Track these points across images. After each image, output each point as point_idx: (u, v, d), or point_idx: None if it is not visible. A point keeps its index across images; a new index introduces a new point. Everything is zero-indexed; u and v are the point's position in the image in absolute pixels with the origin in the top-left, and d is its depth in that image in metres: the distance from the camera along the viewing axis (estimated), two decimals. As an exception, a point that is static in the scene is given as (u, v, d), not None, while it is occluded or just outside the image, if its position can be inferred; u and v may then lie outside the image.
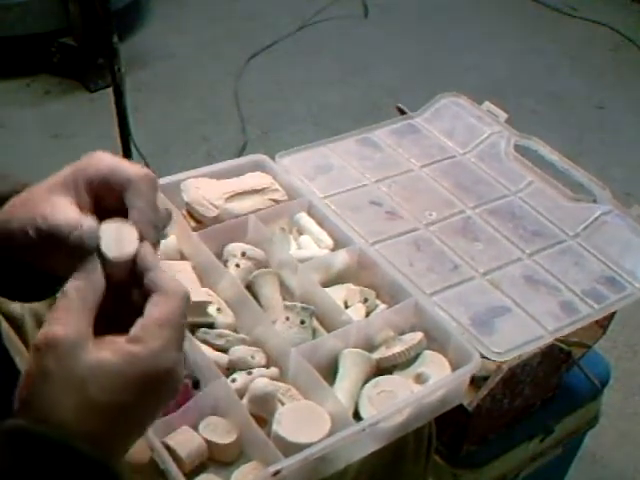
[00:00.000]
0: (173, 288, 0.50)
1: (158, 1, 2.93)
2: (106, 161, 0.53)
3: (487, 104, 1.24)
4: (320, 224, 1.03)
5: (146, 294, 0.50)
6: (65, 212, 0.51)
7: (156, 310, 0.49)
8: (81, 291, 0.49)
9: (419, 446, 0.89)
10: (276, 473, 0.71)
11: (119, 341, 0.48)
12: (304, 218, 1.03)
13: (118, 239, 0.51)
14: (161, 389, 0.49)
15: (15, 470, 0.45)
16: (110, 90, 1.74)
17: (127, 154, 1.79)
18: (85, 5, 2.32)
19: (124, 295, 0.52)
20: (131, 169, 0.53)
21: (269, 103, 2.47)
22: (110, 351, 0.47)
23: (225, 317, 0.90)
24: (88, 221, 0.51)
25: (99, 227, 0.51)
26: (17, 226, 0.53)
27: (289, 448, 0.75)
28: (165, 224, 0.56)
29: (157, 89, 2.49)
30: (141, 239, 0.52)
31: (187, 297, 0.50)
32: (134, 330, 0.48)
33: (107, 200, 0.54)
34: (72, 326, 0.47)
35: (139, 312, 0.49)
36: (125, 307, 0.51)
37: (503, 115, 1.22)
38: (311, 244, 1.00)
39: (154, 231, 0.52)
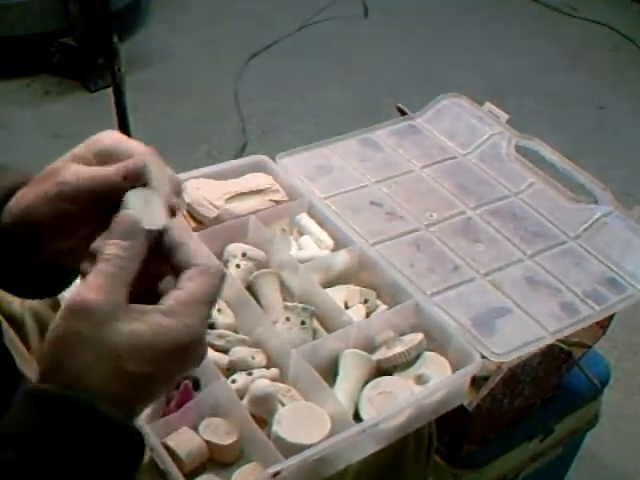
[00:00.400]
0: (212, 264, 0.50)
1: (158, 1, 2.93)
2: (112, 136, 0.55)
3: (488, 105, 1.24)
4: (320, 225, 1.03)
5: (179, 266, 0.50)
6: (90, 169, 0.53)
7: (193, 285, 0.48)
8: (123, 259, 0.48)
9: (419, 446, 0.89)
10: (276, 474, 0.71)
11: (152, 312, 0.47)
12: (305, 219, 1.03)
13: (148, 209, 0.50)
14: (188, 360, 0.50)
15: (44, 433, 0.46)
16: (110, 90, 1.74)
17: (127, 154, 1.79)
18: (85, 5, 2.31)
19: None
20: (134, 143, 0.54)
21: (269, 103, 2.47)
22: (144, 322, 0.47)
23: (225, 318, 0.90)
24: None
25: (126, 194, 0.51)
26: (35, 203, 0.54)
27: (289, 449, 0.75)
28: (179, 192, 0.55)
29: (157, 89, 2.49)
30: (167, 206, 0.51)
31: (224, 275, 0.50)
32: (168, 302, 0.48)
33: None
34: (110, 294, 0.47)
35: (154, 282, 0.50)
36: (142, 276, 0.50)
37: (504, 116, 1.22)
38: (311, 244, 1.00)
39: (175, 198, 0.52)
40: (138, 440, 0.49)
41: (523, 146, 1.19)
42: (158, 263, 0.51)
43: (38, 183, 0.55)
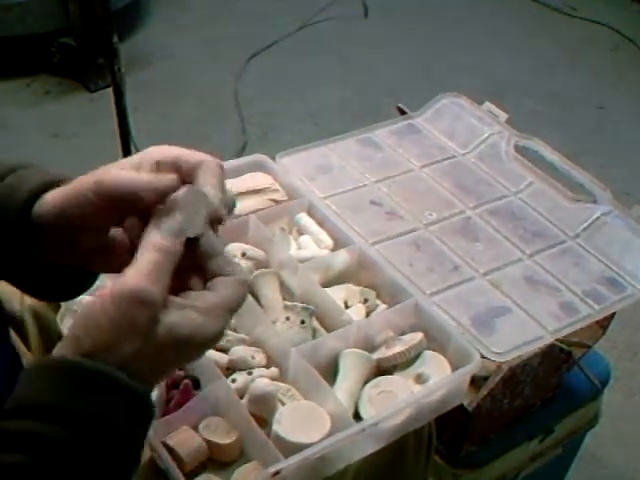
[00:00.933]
0: (244, 277, 0.54)
1: (158, 1, 2.93)
2: (174, 148, 0.56)
3: (487, 104, 1.25)
4: (320, 224, 1.03)
5: (213, 271, 0.53)
6: (132, 174, 0.54)
7: (226, 292, 0.52)
8: (169, 253, 0.51)
9: (419, 446, 0.89)
10: (276, 473, 0.71)
11: (189, 308, 0.51)
12: (304, 218, 1.03)
13: (192, 213, 0.53)
14: (200, 354, 0.54)
15: (100, 416, 0.48)
16: (110, 90, 1.74)
17: (127, 154, 1.79)
18: (85, 5, 2.32)
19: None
20: (201, 153, 0.56)
21: (269, 103, 2.47)
22: (182, 317, 0.50)
23: (225, 317, 0.90)
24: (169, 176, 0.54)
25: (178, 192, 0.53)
26: (70, 199, 0.55)
27: (289, 448, 0.75)
28: (232, 206, 0.58)
29: (157, 89, 2.49)
30: (213, 216, 0.54)
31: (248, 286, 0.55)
32: (205, 303, 0.51)
33: None
34: (161, 286, 0.50)
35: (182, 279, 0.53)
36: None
37: (503, 115, 1.22)
38: (311, 244, 1.00)
39: (225, 210, 0.55)
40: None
41: (522, 146, 1.19)
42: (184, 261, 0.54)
43: (79, 181, 0.57)
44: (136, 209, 0.54)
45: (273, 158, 1.10)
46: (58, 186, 0.57)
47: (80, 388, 0.48)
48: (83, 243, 0.58)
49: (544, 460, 1.17)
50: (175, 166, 0.55)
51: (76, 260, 0.60)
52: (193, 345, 0.51)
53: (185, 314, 0.50)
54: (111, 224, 0.57)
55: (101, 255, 0.59)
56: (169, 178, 0.53)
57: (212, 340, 0.52)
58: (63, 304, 0.87)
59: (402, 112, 1.26)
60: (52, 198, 0.56)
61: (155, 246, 0.50)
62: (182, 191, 0.53)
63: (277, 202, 1.04)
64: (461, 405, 0.91)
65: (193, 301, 0.51)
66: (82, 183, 0.55)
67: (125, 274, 0.49)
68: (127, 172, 0.54)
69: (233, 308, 0.52)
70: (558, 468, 1.31)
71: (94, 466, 0.48)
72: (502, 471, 1.11)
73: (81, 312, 0.50)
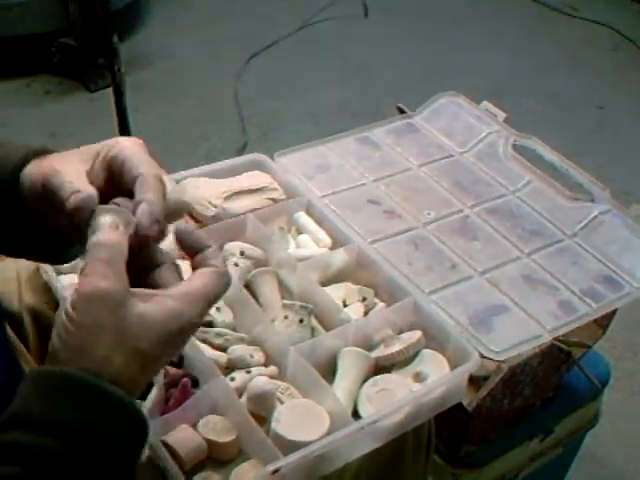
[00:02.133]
0: (224, 271, 0.54)
1: (158, 1, 2.93)
2: (129, 149, 0.57)
3: (485, 103, 1.25)
4: (319, 223, 1.03)
5: (197, 264, 0.54)
6: (72, 176, 0.55)
7: (203, 281, 0.53)
8: (117, 245, 0.51)
9: (418, 445, 0.89)
10: (275, 471, 0.71)
11: (160, 296, 0.51)
12: (303, 217, 1.03)
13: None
14: (182, 345, 0.54)
15: (83, 422, 0.48)
16: (110, 90, 1.74)
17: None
18: (85, 5, 2.32)
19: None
20: (145, 164, 0.56)
21: (269, 103, 2.47)
22: (153, 305, 0.50)
23: (224, 316, 0.90)
24: (89, 191, 0.54)
25: (98, 208, 0.53)
26: (31, 180, 0.57)
27: (288, 446, 0.75)
28: (174, 219, 0.59)
29: (157, 89, 2.49)
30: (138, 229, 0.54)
31: (229, 282, 0.55)
32: (178, 291, 0.52)
33: (119, 185, 0.57)
34: (116, 279, 0.50)
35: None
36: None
37: (501, 114, 1.22)
38: (310, 243, 1.00)
39: (155, 225, 0.54)
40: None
41: (520, 145, 1.19)
42: (144, 258, 0.54)
43: (41, 162, 0.58)
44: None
45: (272, 157, 1.11)
46: (42, 155, 0.58)
47: (57, 396, 0.48)
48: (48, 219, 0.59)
49: (544, 460, 1.17)
50: (120, 170, 0.56)
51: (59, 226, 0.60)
52: (171, 333, 0.50)
53: (155, 301, 0.50)
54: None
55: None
56: (88, 195, 0.53)
57: (190, 326, 0.52)
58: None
59: (402, 112, 1.26)
60: (29, 172, 0.58)
61: (96, 245, 0.51)
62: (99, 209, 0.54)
63: (275, 201, 1.04)
64: (461, 405, 0.91)
65: (165, 291, 0.52)
66: (44, 167, 0.56)
67: (79, 280, 0.50)
68: (71, 174, 0.55)
69: (210, 297, 0.53)
70: (558, 468, 1.31)
71: (87, 474, 0.47)
72: (502, 471, 1.11)
73: (54, 328, 0.51)
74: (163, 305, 0.50)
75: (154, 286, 0.53)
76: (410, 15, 2.98)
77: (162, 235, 0.55)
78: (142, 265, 0.54)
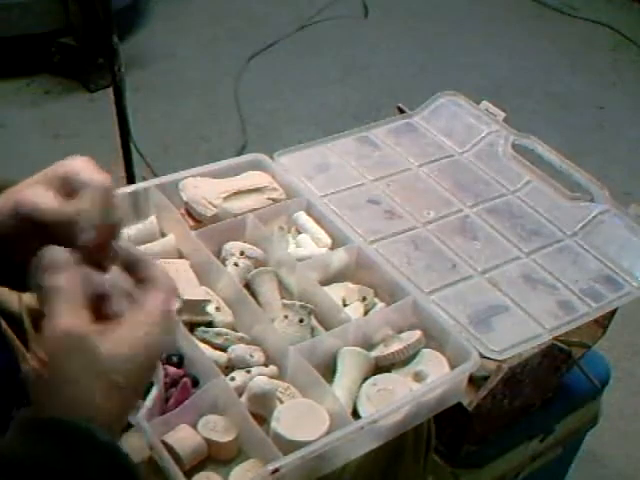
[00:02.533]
0: (165, 277, 0.54)
1: (158, 1, 2.93)
2: (75, 164, 0.56)
3: (485, 103, 1.24)
4: (318, 223, 1.02)
5: (137, 279, 0.54)
6: (47, 197, 0.55)
7: (153, 299, 0.53)
8: (75, 281, 0.51)
9: (418, 444, 0.89)
10: (275, 471, 0.71)
11: (120, 327, 0.51)
12: (302, 217, 1.03)
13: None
14: (155, 367, 0.54)
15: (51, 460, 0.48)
16: (110, 90, 1.74)
17: (127, 154, 1.79)
18: (85, 5, 2.32)
19: None
20: (91, 175, 0.55)
21: (269, 103, 2.47)
22: (118, 337, 0.50)
23: (224, 316, 0.90)
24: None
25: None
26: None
27: (288, 446, 0.75)
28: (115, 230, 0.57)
29: (157, 89, 2.49)
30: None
31: (175, 289, 0.55)
32: (135, 317, 0.52)
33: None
34: (80, 317, 0.50)
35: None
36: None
37: (501, 114, 1.22)
38: (309, 243, 1.00)
39: (92, 233, 0.54)
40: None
41: (520, 144, 1.19)
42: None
43: (6, 195, 0.58)
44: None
45: (272, 157, 1.10)
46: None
47: (30, 438, 0.48)
48: (18, 253, 0.58)
49: (544, 460, 1.17)
50: (70, 185, 0.55)
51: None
52: (144, 360, 0.51)
53: (120, 334, 0.50)
54: (36, 239, 0.56)
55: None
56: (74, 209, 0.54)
57: (160, 351, 0.53)
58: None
59: (402, 112, 1.26)
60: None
61: (50, 288, 0.51)
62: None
63: (275, 201, 1.04)
64: (461, 405, 0.91)
65: (122, 320, 0.51)
66: (2, 206, 0.56)
67: (44, 324, 0.50)
68: (41, 194, 0.55)
69: (166, 307, 0.53)
70: (558, 468, 1.31)
71: None
72: (502, 471, 1.11)
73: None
74: (129, 338, 0.51)
75: (111, 317, 0.53)
76: (410, 15, 2.98)
77: (103, 245, 0.55)
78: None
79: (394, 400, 0.81)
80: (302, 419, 0.78)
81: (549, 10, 3.05)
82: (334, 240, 1.00)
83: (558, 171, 1.14)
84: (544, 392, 1.07)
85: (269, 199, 1.03)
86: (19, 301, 0.86)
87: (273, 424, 0.78)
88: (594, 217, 1.09)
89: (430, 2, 3.07)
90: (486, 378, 0.94)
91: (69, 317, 0.49)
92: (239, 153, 2.21)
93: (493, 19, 3.01)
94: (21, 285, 0.63)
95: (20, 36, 2.41)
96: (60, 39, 2.43)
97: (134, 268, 0.55)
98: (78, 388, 0.49)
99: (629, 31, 2.92)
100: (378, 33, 2.85)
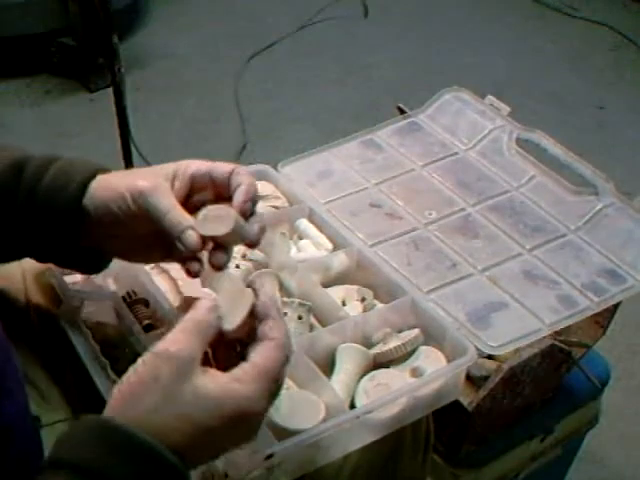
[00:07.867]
0: (278, 341, 0.57)
1: (158, 1, 2.93)
2: (206, 162, 0.65)
3: (490, 98, 1.23)
4: (320, 230, 1.02)
5: (256, 337, 0.58)
6: (166, 197, 0.60)
7: (261, 359, 0.56)
8: (201, 323, 0.55)
9: (416, 443, 0.89)
10: (268, 457, 0.71)
11: (221, 375, 0.54)
12: (304, 224, 1.03)
13: (233, 306, 0.58)
14: (244, 428, 0.56)
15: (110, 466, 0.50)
16: (110, 90, 1.74)
17: (127, 154, 1.79)
18: (85, 5, 2.32)
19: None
20: (231, 164, 0.63)
21: (269, 103, 2.47)
22: (214, 383, 0.53)
23: (224, 315, 0.90)
24: (190, 228, 0.60)
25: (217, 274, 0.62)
26: (113, 193, 0.61)
27: (283, 434, 0.75)
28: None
29: (157, 89, 2.49)
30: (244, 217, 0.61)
31: (289, 349, 0.58)
32: (237, 371, 0.55)
33: (199, 196, 0.65)
34: (189, 349, 0.54)
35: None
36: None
37: (506, 108, 1.20)
38: (311, 247, 1.00)
39: (248, 203, 0.61)
40: None
41: (524, 138, 1.18)
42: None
43: (123, 176, 0.64)
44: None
45: (273, 159, 1.10)
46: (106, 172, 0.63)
47: (98, 444, 0.50)
48: (121, 238, 0.64)
49: (544, 460, 1.17)
50: (209, 178, 0.62)
51: (114, 249, 0.66)
52: (224, 408, 0.52)
53: (216, 379, 0.53)
54: (145, 228, 0.62)
55: (135, 249, 0.66)
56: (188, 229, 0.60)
57: (253, 410, 0.54)
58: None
59: (402, 112, 1.26)
60: (98, 193, 0.62)
61: (188, 319, 0.55)
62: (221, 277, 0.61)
63: (278, 209, 1.04)
64: (461, 405, 0.91)
65: (229, 373, 0.54)
66: (125, 185, 0.61)
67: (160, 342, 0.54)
68: (167, 195, 0.60)
69: (269, 373, 0.55)
70: (558, 468, 1.31)
71: None
72: (502, 471, 1.11)
73: None
74: (222, 382, 0.53)
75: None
76: (410, 15, 2.98)
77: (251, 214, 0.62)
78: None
79: (390, 391, 0.81)
80: (298, 409, 0.78)
81: (549, 10, 3.05)
82: (335, 245, 1.00)
83: (563, 165, 1.13)
84: (544, 392, 1.07)
85: (272, 207, 1.03)
86: (26, 298, 0.86)
87: (270, 413, 0.77)
88: (598, 211, 1.07)
89: (430, 2, 3.07)
90: (486, 378, 0.94)
91: (178, 342, 0.53)
92: (239, 153, 2.21)
93: (493, 19, 3.00)
94: (85, 267, 0.70)
95: (20, 36, 2.41)
96: (60, 39, 2.43)
97: (261, 318, 0.58)
98: (145, 396, 0.51)
99: (629, 31, 2.91)
100: (378, 33, 2.85)
